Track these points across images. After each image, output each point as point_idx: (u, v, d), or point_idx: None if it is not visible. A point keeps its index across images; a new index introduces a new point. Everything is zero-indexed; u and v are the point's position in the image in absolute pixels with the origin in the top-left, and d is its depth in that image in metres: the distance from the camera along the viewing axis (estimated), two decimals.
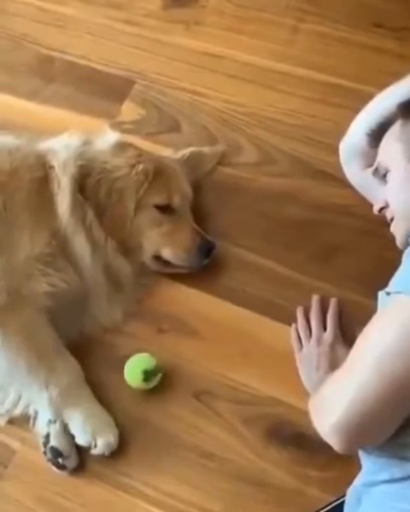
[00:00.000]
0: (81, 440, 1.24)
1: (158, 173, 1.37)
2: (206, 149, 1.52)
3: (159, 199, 1.36)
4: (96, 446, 1.24)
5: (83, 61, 1.70)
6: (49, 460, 1.25)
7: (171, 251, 1.36)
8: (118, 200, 1.33)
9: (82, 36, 1.74)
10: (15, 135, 1.40)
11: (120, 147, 1.38)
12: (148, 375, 1.28)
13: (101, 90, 1.65)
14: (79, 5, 1.78)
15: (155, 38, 1.71)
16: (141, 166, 1.35)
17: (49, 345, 1.27)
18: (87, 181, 1.32)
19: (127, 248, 1.35)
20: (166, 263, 1.39)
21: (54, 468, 1.25)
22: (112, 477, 1.26)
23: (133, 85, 1.65)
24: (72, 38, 1.74)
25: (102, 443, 1.24)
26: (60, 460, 1.25)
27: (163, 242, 1.36)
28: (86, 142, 1.38)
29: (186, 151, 1.50)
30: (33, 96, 1.66)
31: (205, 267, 1.39)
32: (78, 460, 1.26)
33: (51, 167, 1.33)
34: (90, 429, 1.24)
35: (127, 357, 1.30)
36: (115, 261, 1.34)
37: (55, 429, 1.25)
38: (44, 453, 1.26)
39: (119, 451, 1.26)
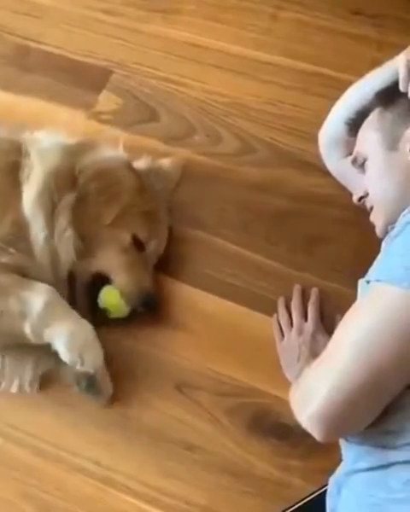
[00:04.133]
0: (66, 358, 1.22)
1: (153, 213, 1.36)
2: (165, 163, 1.48)
3: (140, 232, 1.34)
4: (83, 364, 1.22)
5: (60, 51, 1.68)
6: (83, 389, 1.25)
7: (122, 279, 1.31)
8: (105, 202, 1.30)
9: (59, 25, 1.72)
10: None
11: (129, 167, 1.37)
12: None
13: (78, 80, 1.63)
14: None
15: (133, 28, 1.69)
16: (146, 193, 1.35)
17: (7, 282, 1.24)
18: (83, 170, 1.30)
19: (81, 250, 1.31)
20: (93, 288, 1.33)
21: (90, 398, 1.25)
22: (97, 471, 1.25)
23: (111, 75, 1.63)
24: (48, 28, 1.72)
25: (88, 359, 1.22)
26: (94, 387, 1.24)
27: (119, 268, 1.32)
28: (83, 145, 1.36)
29: (144, 165, 1.45)
30: (9, 87, 1.64)
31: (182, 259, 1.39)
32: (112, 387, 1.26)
33: (27, 155, 1.31)
34: (75, 346, 1.22)
35: (108, 349, 1.29)
36: (65, 253, 1.30)
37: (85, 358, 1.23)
38: (78, 384, 1.25)
39: (103, 445, 1.26)
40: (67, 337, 1.22)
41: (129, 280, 1.31)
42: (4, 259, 1.25)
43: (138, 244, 1.34)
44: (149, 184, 1.40)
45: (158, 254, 1.39)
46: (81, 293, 1.33)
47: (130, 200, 1.33)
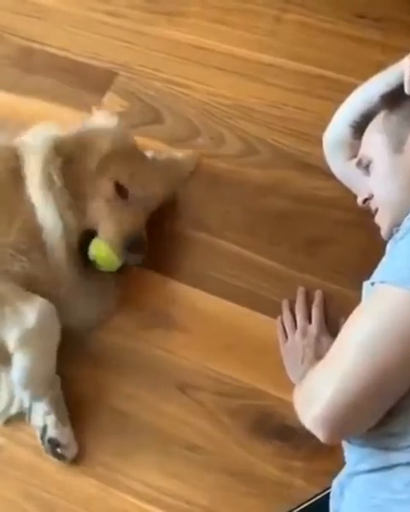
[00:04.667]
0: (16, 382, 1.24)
1: (132, 155, 1.37)
2: (180, 155, 1.50)
3: (121, 177, 1.34)
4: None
5: (64, 53, 1.68)
6: (47, 451, 1.25)
7: (105, 228, 1.31)
8: (83, 155, 1.32)
9: (63, 27, 1.73)
10: None
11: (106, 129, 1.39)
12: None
13: (82, 81, 1.63)
14: None
15: (138, 30, 1.69)
16: (119, 139, 1.36)
17: (8, 291, 1.24)
18: (65, 147, 1.32)
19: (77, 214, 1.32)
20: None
21: (54, 460, 1.25)
22: (99, 472, 1.25)
23: (116, 77, 1.64)
24: (52, 30, 1.73)
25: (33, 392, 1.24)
26: (59, 450, 1.25)
27: (103, 219, 1.32)
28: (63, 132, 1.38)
29: (161, 157, 1.48)
30: (13, 88, 1.64)
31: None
32: (76, 448, 1.26)
33: (23, 157, 1.32)
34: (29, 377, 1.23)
35: (110, 351, 1.30)
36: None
37: (51, 420, 1.25)
38: (43, 444, 1.26)
39: (105, 446, 1.26)
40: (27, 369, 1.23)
41: (112, 228, 1.31)
42: (16, 268, 1.25)
43: (121, 191, 1.34)
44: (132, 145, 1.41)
45: (150, 204, 1.38)
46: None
47: (107, 145, 1.33)
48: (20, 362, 1.23)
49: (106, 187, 1.33)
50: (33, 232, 1.28)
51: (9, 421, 1.30)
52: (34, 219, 1.29)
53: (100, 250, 1.31)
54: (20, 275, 1.26)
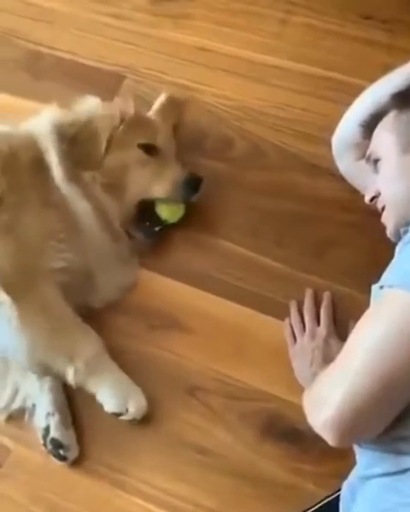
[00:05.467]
0: (112, 407, 1.24)
1: (138, 117, 1.41)
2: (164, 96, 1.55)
3: (142, 138, 1.38)
4: (127, 411, 1.24)
5: (71, 57, 1.69)
6: (49, 452, 1.26)
7: (159, 187, 1.37)
8: (90, 138, 1.34)
9: (70, 31, 1.73)
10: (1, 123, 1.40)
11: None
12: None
13: (90, 85, 1.63)
14: (66, 0, 1.77)
15: (144, 33, 1.70)
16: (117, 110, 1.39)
17: (68, 319, 1.26)
18: (67, 133, 1.34)
19: (115, 192, 1.36)
20: (149, 217, 1.39)
21: (55, 460, 1.25)
22: (107, 474, 1.26)
23: (123, 80, 1.64)
24: (60, 33, 1.73)
25: (133, 407, 1.24)
26: (61, 451, 1.25)
27: (151, 181, 1.37)
28: (67, 112, 1.40)
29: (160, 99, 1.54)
30: (21, 92, 1.65)
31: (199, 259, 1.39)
32: (78, 450, 1.26)
33: (40, 142, 1.33)
34: (119, 396, 1.24)
35: (118, 353, 1.30)
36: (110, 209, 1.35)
37: (54, 421, 1.25)
38: (44, 445, 1.26)
39: (113, 448, 1.26)
40: (112, 389, 1.24)
41: (162, 185, 1.37)
42: (60, 264, 1.26)
43: (149, 150, 1.38)
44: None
45: (173, 144, 1.44)
46: (143, 228, 1.39)
47: (109, 121, 1.36)
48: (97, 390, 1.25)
49: (134, 154, 1.37)
50: (68, 220, 1.30)
51: (17, 423, 1.30)
52: (67, 207, 1.31)
53: (163, 210, 1.39)
54: (64, 271, 1.27)
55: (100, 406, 1.25)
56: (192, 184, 1.39)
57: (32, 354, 1.23)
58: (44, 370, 1.26)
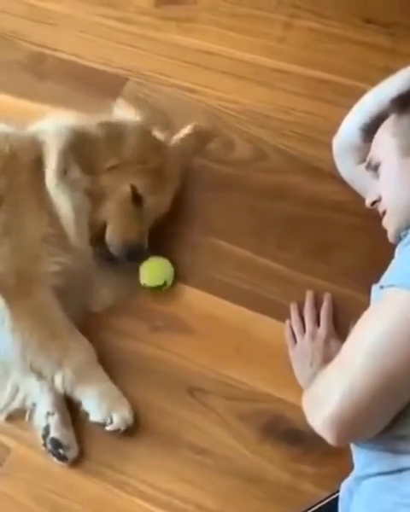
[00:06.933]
0: (97, 417, 1.24)
1: (160, 172, 1.37)
2: (188, 131, 1.49)
3: (140, 186, 1.35)
4: (112, 422, 1.24)
5: (75, 59, 1.70)
6: (49, 451, 1.26)
7: (111, 227, 1.33)
8: (107, 147, 1.32)
9: (74, 33, 1.74)
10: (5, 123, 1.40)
11: (141, 127, 1.39)
12: (165, 284, 1.37)
13: (93, 87, 1.64)
14: (70, 2, 1.78)
15: (148, 36, 1.71)
16: (155, 153, 1.36)
17: (61, 325, 1.27)
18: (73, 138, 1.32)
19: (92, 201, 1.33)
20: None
21: (55, 460, 1.26)
22: (108, 474, 1.26)
23: (126, 83, 1.65)
24: (63, 36, 1.74)
25: (117, 418, 1.24)
26: (61, 451, 1.25)
27: (112, 217, 1.33)
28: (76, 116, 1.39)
29: (176, 139, 1.48)
30: (24, 94, 1.65)
31: (198, 264, 1.40)
32: (78, 450, 1.26)
33: (43, 144, 1.33)
34: (105, 406, 1.24)
35: (119, 354, 1.30)
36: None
37: (54, 420, 1.26)
38: (44, 445, 1.26)
39: (115, 449, 1.26)
40: (98, 399, 1.25)
41: (117, 229, 1.33)
42: (53, 267, 1.26)
43: (137, 198, 1.35)
44: (163, 146, 1.41)
45: (158, 214, 1.39)
46: (102, 250, 1.34)
47: (133, 153, 1.34)
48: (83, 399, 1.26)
49: (123, 190, 1.34)
50: (60, 220, 1.29)
51: (17, 422, 1.31)
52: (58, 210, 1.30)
53: (147, 269, 1.37)
54: (59, 275, 1.27)
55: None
56: (131, 252, 1.33)
57: (23, 357, 1.24)
58: (38, 373, 1.26)
